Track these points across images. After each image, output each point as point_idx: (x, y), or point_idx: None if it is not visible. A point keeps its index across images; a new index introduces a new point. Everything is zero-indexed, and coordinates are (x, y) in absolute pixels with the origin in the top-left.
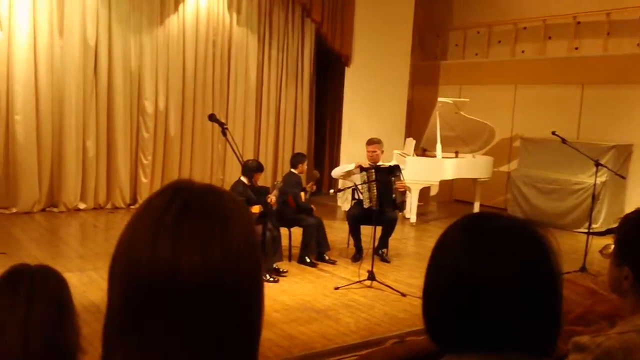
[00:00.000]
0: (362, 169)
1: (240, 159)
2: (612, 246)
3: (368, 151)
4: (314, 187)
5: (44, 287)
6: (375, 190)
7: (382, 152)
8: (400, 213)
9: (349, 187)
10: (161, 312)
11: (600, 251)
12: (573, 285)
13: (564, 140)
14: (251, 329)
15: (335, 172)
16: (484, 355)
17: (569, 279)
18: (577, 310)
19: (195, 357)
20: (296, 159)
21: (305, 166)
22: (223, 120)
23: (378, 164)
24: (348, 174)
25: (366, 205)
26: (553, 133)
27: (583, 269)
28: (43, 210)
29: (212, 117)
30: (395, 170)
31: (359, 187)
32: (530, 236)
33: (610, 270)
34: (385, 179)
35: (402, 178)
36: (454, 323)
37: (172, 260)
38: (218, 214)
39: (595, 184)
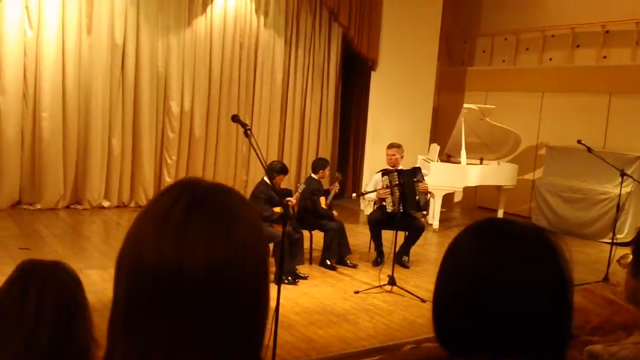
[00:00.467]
0: (384, 172)
1: (262, 160)
2: (630, 256)
3: (387, 155)
4: (337, 188)
5: (54, 283)
6: (397, 194)
7: (402, 157)
8: (423, 219)
9: (371, 192)
10: (165, 310)
11: (618, 261)
12: (591, 295)
13: (589, 149)
14: (255, 328)
15: (369, 196)
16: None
17: (587, 288)
18: (595, 321)
19: (199, 356)
20: (318, 164)
21: (327, 172)
22: (247, 122)
23: (398, 169)
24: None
25: (389, 209)
26: (579, 142)
27: (606, 279)
28: (67, 207)
29: (235, 118)
30: (416, 172)
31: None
32: (542, 243)
33: (627, 280)
34: (408, 181)
35: (422, 179)
36: (463, 328)
37: (177, 258)
38: (224, 212)
39: (620, 194)
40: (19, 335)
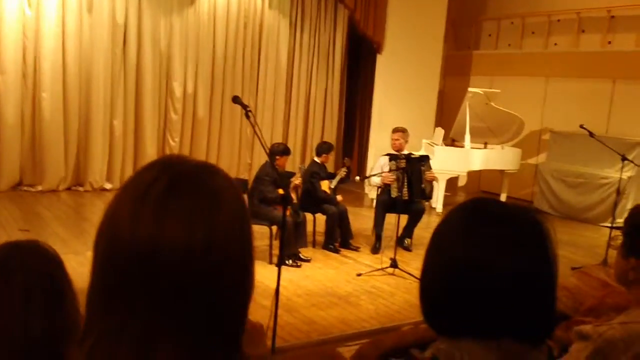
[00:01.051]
0: (391, 157)
1: (263, 142)
2: (621, 237)
3: (392, 139)
4: (344, 173)
5: (35, 263)
6: (404, 180)
7: (407, 141)
8: (427, 202)
9: (375, 175)
10: (141, 291)
11: (609, 242)
12: (586, 277)
13: (591, 134)
14: (236, 311)
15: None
16: (477, 340)
17: (582, 271)
18: (589, 302)
19: (176, 339)
20: (322, 148)
21: (330, 156)
22: (252, 104)
23: (404, 152)
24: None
25: (394, 194)
26: (581, 126)
27: (605, 262)
28: (69, 189)
29: (236, 99)
30: (424, 160)
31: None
32: (529, 223)
33: (617, 261)
34: (415, 168)
35: (430, 168)
36: (449, 309)
37: (154, 238)
38: (207, 192)
39: (620, 179)
40: (9, 322)
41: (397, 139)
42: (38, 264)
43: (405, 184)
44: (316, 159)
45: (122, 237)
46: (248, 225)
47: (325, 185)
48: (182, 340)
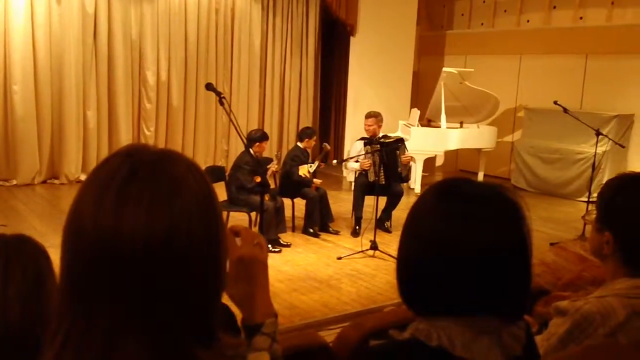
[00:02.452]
0: (365, 142)
1: (238, 129)
2: (595, 212)
3: (365, 125)
4: (323, 159)
5: (20, 256)
6: (379, 164)
7: (380, 126)
8: (405, 184)
9: (353, 157)
10: (106, 280)
11: (583, 217)
12: (563, 252)
13: (565, 110)
14: (206, 300)
15: (351, 166)
16: (454, 318)
17: (559, 245)
18: (567, 277)
19: (143, 328)
20: (304, 133)
21: (312, 142)
22: (226, 91)
23: (380, 136)
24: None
25: (371, 178)
26: (555, 103)
27: (582, 236)
28: (44, 182)
29: (209, 86)
30: (399, 143)
31: (360, 158)
32: (503, 202)
33: (592, 235)
34: (390, 153)
35: (406, 151)
36: (426, 287)
37: (115, 227)
38: (167, 179)
39: (595, 154)
40: None
41: (370, 125)
42: (20, 250)
43: (382, 168)
44: (299, 144)
45: (85, 228)
46: (214, 212)
47: (304, 169)
48: (151, 330)
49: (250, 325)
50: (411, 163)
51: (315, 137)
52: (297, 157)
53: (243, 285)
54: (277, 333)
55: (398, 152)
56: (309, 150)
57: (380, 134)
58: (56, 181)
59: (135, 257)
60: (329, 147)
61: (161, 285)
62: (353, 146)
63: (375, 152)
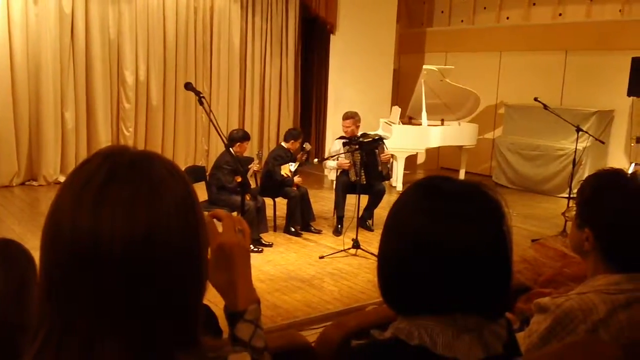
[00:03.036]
0: (344, 142)
1: (218, 128)
2: (575, 208)
3: (343, 127)
4: (304, 158)
5: (4, 260)
6: (360, 164)
7: (358, 126)
8: (387, 182)
9: (333, 156)
10: (84, 282)
11: (563, 213)
12: (544, 248)
13: (545, 107)
14: (186, 302)
15: (330, 165)
16: (435, 316)
17: (540, 242)
18: (548, 273)
19: (121, 330)
20: (290, 134)
21: (298, 143)
22: (206, 90)
23: (358, 135)
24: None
25: (352, 178)
26: (535, 99)
27: (564, 233)
28: (22, 184)
29: (188, 86)
30: (377, 142)
31: (342, 155)
32: (483, 200)
33: (572, 232)
34: (369, 153)
35: (385, 149)
36: (406, 285)
37: (93, 228)
38: (147, 181)
39: (576, 150)
40: None
41: (348, 126)
42: (6, 254)
43: (362, 168)
44: (283, 144)
45: (63, 230)
46: (195, 213)
47: (285, 169)
48: (130, 332)
49: (233, 312)
50: (392, 160)
51: (301, 139)
52: (280, 157)
53: (224, 272)
54: (260, 320)
55: (377, 150)
56: (293, 151)
57: (359, 133)
58: (34, 183)
59: (113, 259)
60: (310, 146)
61: (140, 287)
62: (332, 145)
63: (355, 151)
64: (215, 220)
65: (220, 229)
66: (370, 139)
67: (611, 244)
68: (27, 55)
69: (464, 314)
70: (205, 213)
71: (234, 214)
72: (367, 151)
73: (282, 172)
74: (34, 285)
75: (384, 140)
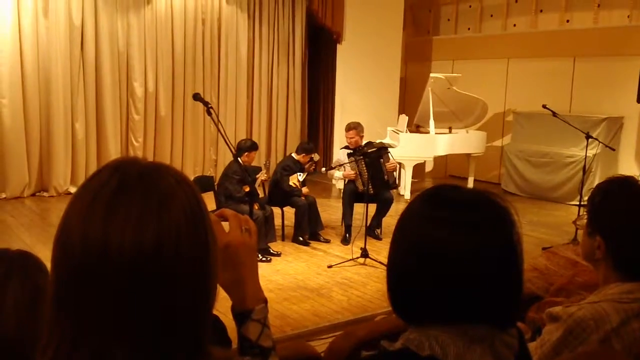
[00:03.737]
0: (349, 154)
1: (226, 138)
2: (586, 216)
3: (347, 137)
4: (312, 168)
5: (21, 271)
6: (366, 174)
7: (362, 136)
8: (395, 190)
9: (341, 165)
10: (93, 295)
11: (574, 221)
12: (555, 256)
13: (554, 114)
14: (195, 314)
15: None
16: (445, 327)
17: (551, 250)
18: (559, 282)
19: (131, 344)
20: (303, 148)
21: (308, 157)
22: (214, 101)
23: (363, 145)
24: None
25: (360, 188)
26: (544, 106)
27: (574, 240)
28: (33, 195)
29: (196, 97)
30: (381, 152)
31: (348, 166)
32: (491, 208)
33: (584, 240)
34: (374, 163)
35: (390, 158)
36: (416, 295)
37: (103, 240)
38: (156, 192)
39: (586, 157)
40: None
41: (352, 137)
42: (22, 265)
43: (369, 178)
44: (294, 155)
45: (73, 241)
46: (204, 224)
47: (294, 179)
48: (139, 346)
49: (240, 312)
50: (399, 169)
51: (314, 154)
52: (289, 168)
53: (231, 271)
54: (268, 319)
55: (382, 160)
56: (302, 163)
57: (364, 142)
58: (45, 194)
59: (122, 270)
60: (318, 156)
61: (149, 298)
62: (337, 156)
63: (359, 162)
64: (221, 219)
65: (227, 229)
66: (375, 149)
67: (623, 252)
68: (38, 67)
69: (475, 323)
70: (212, 213)
71: None
72: (372, 160)
73: (291, 182)
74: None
75: (389, 149)
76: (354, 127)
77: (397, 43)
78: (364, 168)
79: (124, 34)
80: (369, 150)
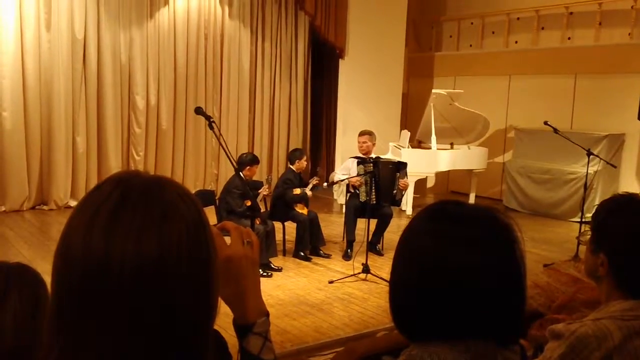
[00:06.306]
0: (359, 161)
1: (228, 152)
2: (589, 233)
3: (359, 142)
4: (317, 181)
5: (19, 284)
6: (372, 184)
7: (374, 144)
8: (397, 207)
9: (343, 179)
10: (94, 308)
11: (577, 237)
12: (557, 273)
13: (555, 130)
14: (196, 328)
15: (337, 177)
16: (447, 343)
17: (553, 267)
18: (561, 299)
19: (132, 358)
20: (293, 156)
21: (303, 162)
22: (216, 115)
23: (372, 156)
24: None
25: (362, 198)
26: (545, 123)
27: (576, 257)
28: (33, 208)
29: (198, 111)
30: (400, 167)
31: (353, 180)
32: (493, 224)
33: (587, 256)
34: (390, 174)
35: (406, 177)
36: (418, 311)
37: (104, 253)
38: (158, 205)
39: (587, 174)
40: None
41: (364, 142)
42: (20, 278)
43: (373, 188)
44: (291, 166)
45: (74, 255)
46: (206, 238)
47: (298, 191)
48: (139, 358)
49: (242, 325)
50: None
51: (305, 157)
52: (290, 181)
53: (233, 284)
54: (269, 332)
55: (398, 174)
56: (301, 172)
57: (373, 155)
58: (45, 207)
59: (123, 284)
60: (322, 170)
61: (150, 312)
62: (344, 163)
63: (369, 172)
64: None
65: (228, 242)
66: (396, 161)
67: (626, 270)
68: (40, 80)
69: (477, 340)
70: (213, 226)
71: None
72: (388, 171)
73: (295, 193)
74: (47, 309)
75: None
76: (368, 134)
77: (399, 59)
78: (371, 177)
79: (127, 48)
80: (383, 159)
